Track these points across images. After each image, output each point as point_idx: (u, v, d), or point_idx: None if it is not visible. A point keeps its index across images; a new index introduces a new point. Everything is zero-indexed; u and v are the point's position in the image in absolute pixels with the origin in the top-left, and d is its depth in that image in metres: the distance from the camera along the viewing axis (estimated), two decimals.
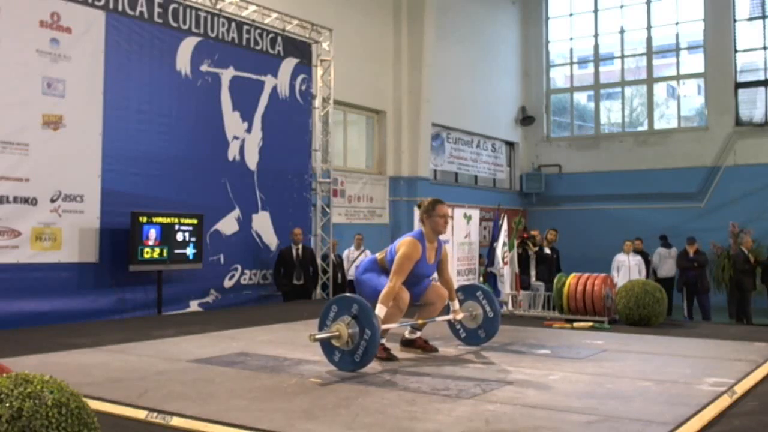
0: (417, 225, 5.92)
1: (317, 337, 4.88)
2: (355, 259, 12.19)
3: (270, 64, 11.04)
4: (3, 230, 7.72)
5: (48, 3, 8.22)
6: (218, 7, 10.31)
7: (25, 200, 7.94)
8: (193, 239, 9.27)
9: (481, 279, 11.38)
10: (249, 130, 10.64)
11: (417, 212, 5.86)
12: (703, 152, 17.50)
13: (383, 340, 5.43)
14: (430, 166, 16.02)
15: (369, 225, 14.16)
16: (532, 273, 11.74)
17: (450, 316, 5.94)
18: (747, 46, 17.62)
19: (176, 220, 9.09)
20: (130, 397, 4.12)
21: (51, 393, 2.55)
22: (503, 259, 8.96)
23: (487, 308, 6.05)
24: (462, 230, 9.29)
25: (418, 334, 5.83)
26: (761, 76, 17.36)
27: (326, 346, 4.98)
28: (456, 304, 5.89)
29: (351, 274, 12.15)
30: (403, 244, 5.46)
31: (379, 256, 5.68)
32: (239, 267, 10.40)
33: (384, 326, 5.01)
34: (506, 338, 6.62)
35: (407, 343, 5.80)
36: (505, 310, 8.62)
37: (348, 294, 5.30)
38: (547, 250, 12.25)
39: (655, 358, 5.68)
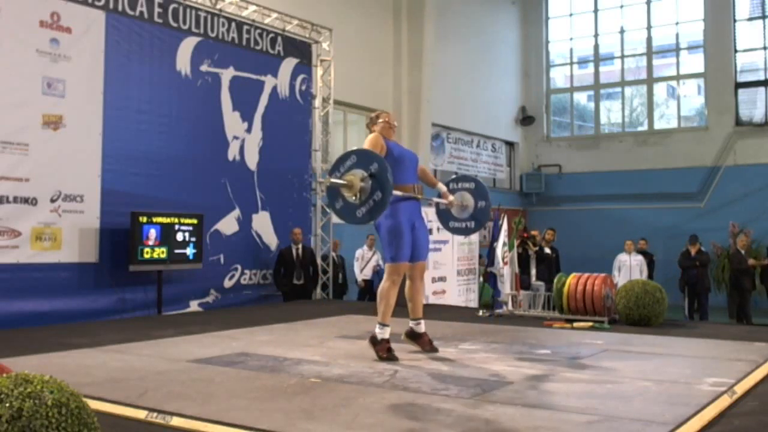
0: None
1: (331, 180, 4.83)
2: (369, 260, 12.24)
3: (270, 64, 11.04)
4: (3, 230, 7.72)
5: (48, 3, 8.21)
6: (218, 7, 10.31)
7: (25, 200, 7.93)
8: (193, 239, 9.27)
9: (481, 279, 11.39)
10: (249, 130, 10.64)
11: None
12: (703, 152, 17.50)
13: (387, 334, 5.44)
14: (430, 166, 16.01)
15: (369, 225, 14.13)
16: (532, 273, 11.75)
17: (442, 200, 6.10)
18: (747, 46, 17.63)
19: (176, 220, 9.09)
20: (130, 397, 4.12)
21: (51, 393, 2.55)
22: (503, 259, 8.95)
23: (480, 202, 6.20)
24: None
25: (423, 329, 5.82)
26: (761, 76, 17.37)
27: (332, 191, 4.90)
28: (443, 187, 6.07)
29: (365, 274, 12.19)
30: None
31: None
32: (239, 267, 10.40)
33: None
34: (506, 338, 6.63)
35: (412, 336, 5.79)
36: (505, 310, 8.64)
37: (372, 151, 5.13)
38: (547, 250, 12.25)
39: (655, 358, 5.67)
